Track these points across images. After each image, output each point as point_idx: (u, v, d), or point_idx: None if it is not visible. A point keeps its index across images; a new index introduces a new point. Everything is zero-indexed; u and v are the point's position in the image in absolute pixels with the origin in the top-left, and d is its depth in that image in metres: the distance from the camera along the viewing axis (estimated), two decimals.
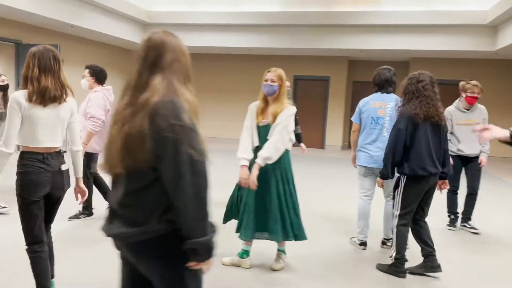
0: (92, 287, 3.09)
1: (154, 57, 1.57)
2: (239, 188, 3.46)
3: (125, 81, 1.61)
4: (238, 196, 3.48)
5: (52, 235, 2.85)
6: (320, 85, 12.77)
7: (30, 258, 2.58)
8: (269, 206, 3.33)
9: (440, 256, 3.61)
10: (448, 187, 3.65)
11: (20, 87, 2.54)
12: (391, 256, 3.54)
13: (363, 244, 4.12)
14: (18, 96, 2.46)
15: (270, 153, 3.20)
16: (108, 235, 1.60)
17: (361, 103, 4.08)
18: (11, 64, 9.02)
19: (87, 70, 4.60)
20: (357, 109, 4.10)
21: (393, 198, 3.59)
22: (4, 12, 7.85)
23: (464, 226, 4.93)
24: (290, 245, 3.75)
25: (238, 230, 3.45)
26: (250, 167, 3.30)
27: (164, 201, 1.50)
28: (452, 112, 4.73)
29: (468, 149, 4.71)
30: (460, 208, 4.98)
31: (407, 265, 3.53)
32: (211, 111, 12.37)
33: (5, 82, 4.80)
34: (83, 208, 4.65)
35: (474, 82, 4.63)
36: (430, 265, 3.51)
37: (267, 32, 11.08)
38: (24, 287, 2.95)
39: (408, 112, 3.34)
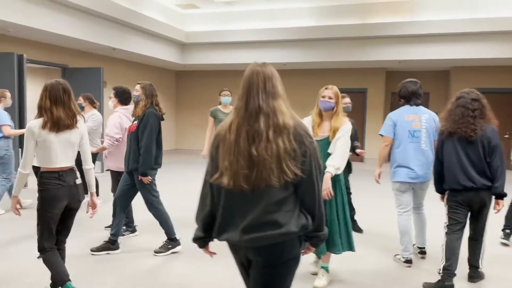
0: None
1: (272, 86, 1.88)
2: None
3: (242, 107, 1.86)
4: None
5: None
6: (357, 97, 12.61)
7: (44, 259, 2.96)
8: (331, 218, 3.36)
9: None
10: (499, 207, 3.46)
11: (35, 116, 2.90)
12: (440, 269, 3.46)
13: (409, 261, 4.00)
14: (32, 125, 2.85)
15: (340, 163, 3.33)
16: (243, 240, 1.80)
17: (393, 116, 4.00)
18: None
19: (113, 92, 4.90)
20: (389, 122, 4.02)
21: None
22: (52, 39, 8.33)
23: None
24: (332, 262, 3.69)
25: None
26: None
27: (297, 208, 1.83)
28: None
29: None
30: None
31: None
32: None
33: None
34: (125, 225, 4.79)
35: None
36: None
37: (301, 47, 11.12)
38: None
39: (438, 130, 3.62)
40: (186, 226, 5.24)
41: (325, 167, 3.25)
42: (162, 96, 13.39)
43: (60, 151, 2.90)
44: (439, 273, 3.47)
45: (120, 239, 4.44)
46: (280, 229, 1.76)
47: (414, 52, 10.31)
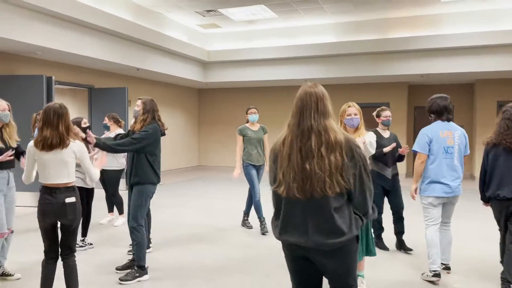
0: None
1: (323, 106, 2.06)
2: None
3: (295, 124, 2.07)
4: None
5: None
6: None
7: (41, 266, 3.16)
8: None
9: None
10: None
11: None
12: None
13: (437, 275, 3.91)
14: (29, 145, 3.14)
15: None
16: (312, 244, 2.00)
17: (428, 132, 3.99)
18: (85, 107, 9.79)
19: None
20: (423, 138, 4.01)
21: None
22: (79, 60, 8.62)
23: None
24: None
25: None
26: None
27: (352, 212, 2.05)
28: None
29: None
30: None
31: None
32: (271, 143, 12.42)
33: (87, 124, 5.16)
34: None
35: None
36: None
37: (322, 63, 11.15)
38: None
39: (484, 141, 3.84)
40: (204, 243, 5.25)
41: None
42: (184, 114, 13.62)
43: (53, 169, 3.08)
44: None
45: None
46: (344, 236, 1.99)
47: (437, 66, 10.20)
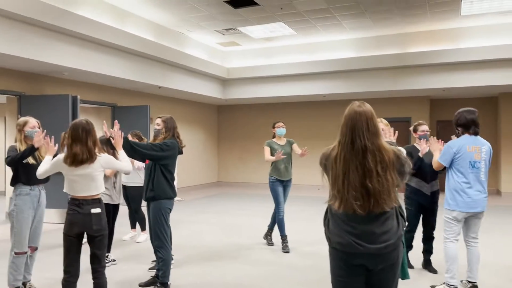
0: None
1: (373, 126, 2.17)
2: None
3: (347, 143, 2.15)
4: None
5: None
6: (401, 126, 12.35)
7: (62, 284, 3.19)
8: None
9: None
10: None
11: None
12: None
13: None
14: (60, 157, 3.25)
15: None
16: (368, 249, 2.11)
17: (455, 147, 3.97)
18: (108, 125, 9.99)
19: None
20: (448, 151, 3.99)
21: None
22: (103, 80, 8.86)
23: None
24: None
25: None
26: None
27: (399, 214, 2.21)
28: None
29: None
30: None
31: None
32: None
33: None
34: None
35: None
36: None
37: (342, 78, 11.15)
38: None
39: None
40: (225, 260, 5.25)
41: None
42: (204, 130, 13.76)
43: (81, 183, 3.18)
44: None
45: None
46: (396, 235, 2.14)
47: (459, 80, 10.07)
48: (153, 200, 3.99)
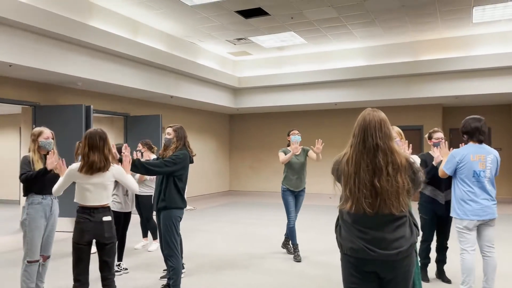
0: None
1: (387, 128, 2.19)
2: None
3: (359, 142, 2.17)
4: None
5: None
6: (413, 134, 12.27)
7: None
8: None
9: None
10: None
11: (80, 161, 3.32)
12: None
13: None
14: (72, 168, 3.29)
15: None
16: (379, 255, 2.10)
17: (457, 156, 3.92)
18: (121, 134, 10.11)
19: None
20: (451, 160, 3.94)
21: None
22: (115, 90, 8.98)
23: None
24: None
25: None
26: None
27: (412, 222, 2.18)
28: None
29: None
30: None
31: None
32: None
33: (128, 149, 5.33)
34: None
35: None
36: None
37: (353, 86, 11.12)
38: None
39: None
40: (237, 268, 5.23)
41: None
42: (216, 139, 13.81)
43: (93, 192, 3.22)
44: None
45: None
46: (408, 242, 2.11)
47: (471, 87, 9.97)
48: (164, 209, 4.01)
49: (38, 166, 3.87)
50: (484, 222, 3.86)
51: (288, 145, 5.90)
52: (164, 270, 4.87)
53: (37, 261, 3.88)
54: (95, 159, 3.19)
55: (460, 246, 3.94)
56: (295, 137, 5.79)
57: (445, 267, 4.74)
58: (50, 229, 4.01)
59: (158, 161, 3.97)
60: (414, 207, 3.09)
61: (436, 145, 4.63)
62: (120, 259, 5.06)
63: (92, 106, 7.93)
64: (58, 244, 6.10)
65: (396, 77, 10.60)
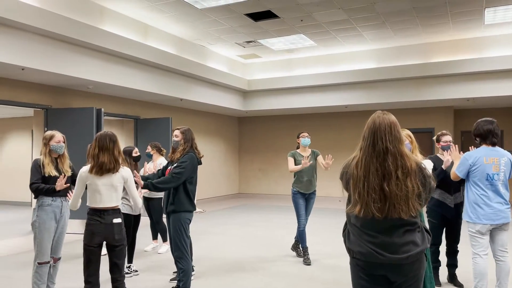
0: None
1: (397, 132, 2.15)
2: None
3: (368, 146, 2.14)
4: None
5: None
6: (425, 137, 12.16)
7: None
8: None
9: None
10: None
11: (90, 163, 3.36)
12: None
13: None
14: (82, 171, 3.32)
15: None
16: (388, 259, 2.07)
17: (470, 158, 3.86)
18: (131, 137, 10.17)
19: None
20: (464, 163, 3.89)
21: None
22: (126, 93, 9.04)
23: None
24: None
25: None
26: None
27: (423, 228, 2.17)
28: None
29: None
30: None
31: None
32: None
33: (138, 154, 5.32)
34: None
35: None
36: None
37: (363, 89, 11.07)
38: None
39: None
40: (245, 271, 5.22)
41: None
42: (225, 142, 13.84)
43: (103, 193, 3.26)
44: None
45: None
46: (418, 248, 2.08)
47: (483, 89, 9.87)
48: (173, 213, 4.04)
49: (49, 169, 3.92)
50: (497, 226, 3.80)
51: (298, 148, 5.87)
52: (174, 272, 4.88)
53: (48, 262, 3.91)
54: (104, 160, 3.24)
55: (473, 250, 3.89)
56: (305, 140, 5.77)
57: (457, 272, 4.68)
58: (61, 231, 4.04)
59: (167, 177, 3.96)
60: (423, 211, 3.06)
61: (445, 148, 4.55)
62: (130, 261, 5.08)
63: (103, 109, 8.00)
64: (69, 245, 6.16)
65: (406, 79, 10.52)
